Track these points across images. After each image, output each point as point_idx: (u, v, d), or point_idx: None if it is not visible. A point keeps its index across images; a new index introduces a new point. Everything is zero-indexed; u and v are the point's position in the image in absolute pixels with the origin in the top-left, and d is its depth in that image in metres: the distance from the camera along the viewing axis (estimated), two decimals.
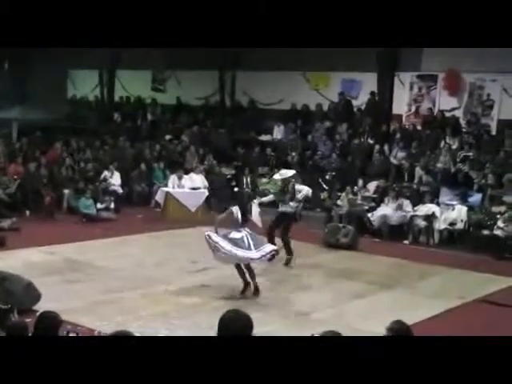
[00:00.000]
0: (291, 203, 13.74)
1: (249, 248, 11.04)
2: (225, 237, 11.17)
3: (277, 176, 14.72)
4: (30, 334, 5.41)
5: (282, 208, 13.80)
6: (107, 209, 18.55)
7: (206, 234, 11.30)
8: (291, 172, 14.45)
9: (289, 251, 13.66)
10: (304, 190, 14.01)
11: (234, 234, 11.19)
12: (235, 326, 4.21)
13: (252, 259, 11.18)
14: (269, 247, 11.49)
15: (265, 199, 14.11)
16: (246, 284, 11.46)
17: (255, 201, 13.23)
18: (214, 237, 11.14)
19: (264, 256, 11.25)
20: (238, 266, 11.48)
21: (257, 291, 11.40)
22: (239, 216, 11.44)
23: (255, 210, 12.69)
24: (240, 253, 11.00)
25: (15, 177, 18.69)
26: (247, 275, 11.44)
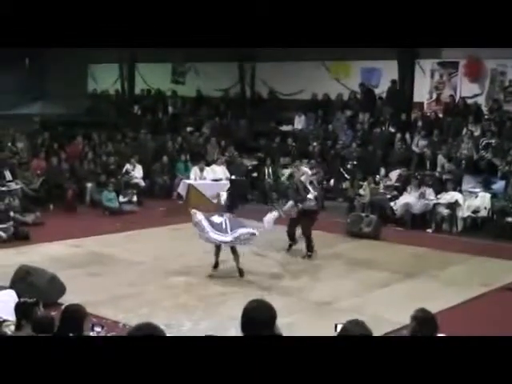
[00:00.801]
0: (308, 196, 13.72)
1: (225, 232, 11.77)
2: (207, 218, 11.94)
3: (283, 178, 14.76)
4: (56, 327, 5.47)
5: (301, 205, 13.75)
6: (130, 202, 18.64)
7: (193, 211, 12.23)
8: (288, 170, 14.55)
9: (309, 246, 13.60)
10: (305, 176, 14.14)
11: (216, 218, 11.94)
12: (258, 316, 4.20)
13: (224, 242, 11.86)
14: (242, 230, 11.90)
15: (286, 208, 13.99)
16: (217, 264, 12.24)
17: (275, 213, 13.40)
18: (199, 215, 12.00)
19: (237, 238, 11.81)
20: (217, 246, 12.12)
21: (241, 274, 11.97)
22: (222, 201, 12.43)
23: (270, 216, 13.14)
24: (214, 235, 11.77)
25: (38, 172, 18.85)
26: (233, 257, 12.07)
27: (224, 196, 12.54)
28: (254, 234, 11.95)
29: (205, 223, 11.79)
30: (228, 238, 11.76)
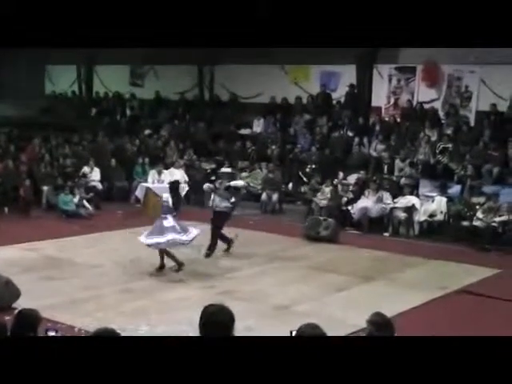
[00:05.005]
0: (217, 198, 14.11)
1: (179, 232, 12.21)
2: (153, 233, 12.27)
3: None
4: (8, 333, 5.36)
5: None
6: (87, 204, 18.42)
7: (139, 238, 12.45)
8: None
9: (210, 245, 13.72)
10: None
11: (166, 223, 12.23)
12: (216, 320, 4.18)
13: (184, 242, 12.25)
14: (195, 231, 12.43)
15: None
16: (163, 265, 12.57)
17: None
18: (144, 238, 12.32)
19: (193, 239, 12.39)
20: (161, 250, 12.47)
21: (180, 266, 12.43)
22: (170, 203, 12.67)
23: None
24: (175, 237, 12.13)
25: None
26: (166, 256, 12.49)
27: (169, 199, 12.80)
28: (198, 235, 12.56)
29: (153, 240, 12.17)
30: (184, 237, 12.19)
